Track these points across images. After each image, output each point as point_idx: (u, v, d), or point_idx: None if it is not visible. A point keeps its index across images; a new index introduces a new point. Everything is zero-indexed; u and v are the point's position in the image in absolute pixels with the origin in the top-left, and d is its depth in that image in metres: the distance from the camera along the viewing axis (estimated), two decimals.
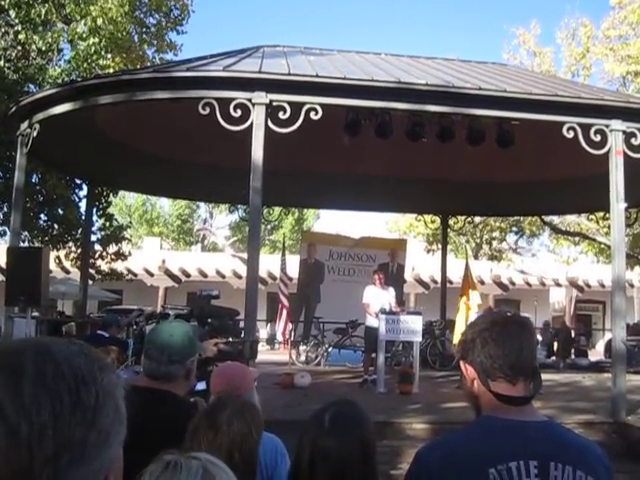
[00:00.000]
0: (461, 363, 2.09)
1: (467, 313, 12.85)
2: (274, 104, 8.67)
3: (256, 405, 2.65)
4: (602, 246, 22.26)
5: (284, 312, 12.32)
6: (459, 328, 13.13)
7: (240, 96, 8.64)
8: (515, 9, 73.15)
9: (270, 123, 8.62)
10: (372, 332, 11.42)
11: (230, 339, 4.73)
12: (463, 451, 1.91)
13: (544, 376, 2.10)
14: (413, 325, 11.17)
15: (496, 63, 14.34)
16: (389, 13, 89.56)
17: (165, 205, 48.52)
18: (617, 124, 9.22)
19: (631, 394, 9.33)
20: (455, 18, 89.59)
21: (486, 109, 9.26)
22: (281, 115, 8.60)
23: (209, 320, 4.88)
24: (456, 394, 10.58)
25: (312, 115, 8.67)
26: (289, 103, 8.65)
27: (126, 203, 45.63)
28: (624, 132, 9.23)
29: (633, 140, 9.21)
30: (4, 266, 10.62)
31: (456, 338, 13.34)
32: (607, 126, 9.20)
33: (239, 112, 8.52)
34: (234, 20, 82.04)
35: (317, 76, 8.82)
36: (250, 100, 8.63)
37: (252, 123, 8.62)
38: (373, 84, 8.92)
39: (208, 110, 8.54)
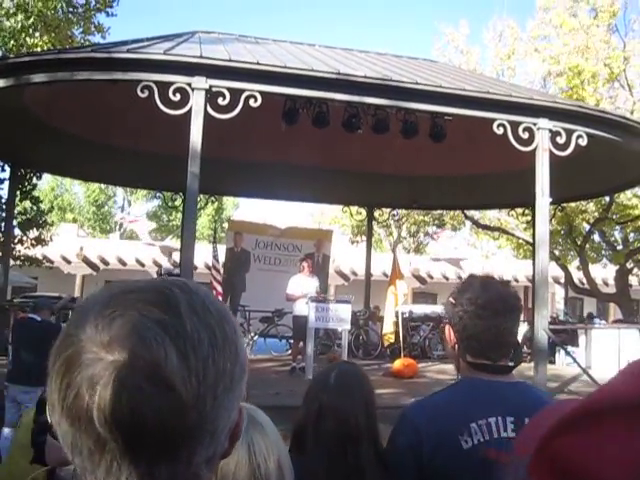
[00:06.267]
0: (447, 327, 2.21)
1: (396, 301, 13.19)
2: (214, 90, 8.67)
3: None
4: (520, 241, 23.03)
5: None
6: (389, 316, 13.45)
7: (180, 80, 8.61)
8: (445, 8, 74.69)
9: (209, 109, 8.63)
10: (300, 320, 11.48)
11: None
12: (446, 408, 2.06)
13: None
14: (342, 313, 11.32)
15: (427, 59, 14.66)
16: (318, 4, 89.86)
17: (79, 191, 47.27)
18: (544, 123, 9.63)
19: (548, 381, 9.75)
20: (386, 13, 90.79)
21: (422, 103, 9.52)
22: (220, 101, 8.61)
23: None
24: (384, 381, 10.84)
25: (251, 102, 8.71)
26: (229, 89, 8.67)
27: (39, 188, 44.05)
28: (550, 130, 9.64)
29: (558, 139, 9.64)
30: None
31: (386, 326, 13.65)
32: (535, 124, 9.60)
33: (178, 96, 8.49)
34: (162, 5, 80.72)
35: (258, 63, 8.85)
36: (190, 85, 8.61)
37: (191, 108, 8.60)
38: (313, 74, 9.01)
39: (147, 93, 8.46)
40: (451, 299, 2.18)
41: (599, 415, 0.69)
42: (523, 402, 2.05)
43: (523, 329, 15.81)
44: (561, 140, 9.62)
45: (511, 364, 2.17)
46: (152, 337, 0.75)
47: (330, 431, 2.10)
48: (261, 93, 8.74)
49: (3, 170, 14.75)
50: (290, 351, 13.59)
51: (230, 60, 8.82)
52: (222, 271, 15.16)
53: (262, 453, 1.39)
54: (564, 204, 15.83)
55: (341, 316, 11.32)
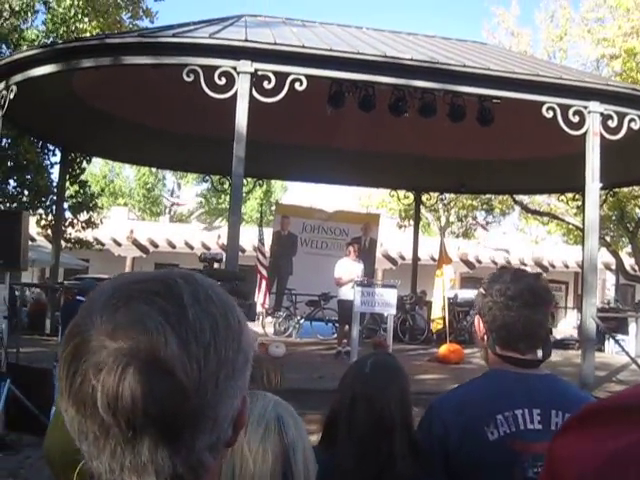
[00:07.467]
0: (476, 317, 2.20)
1: (443, 287, 13.12)
2: (259, 73, 8.68)
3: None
4: (570, 227, 22.65)
5: (263, 283, 12.29)
6: (437, 301, 13.38)
7: (225, 64, 8.64)
8: None
9: (255, 92, 8.64)
10: (346, 304, 11.48)
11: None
12: (473, 399, 2.08)
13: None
14: (388, 298, 11.26)
15: (476, 42, 14.43)
16: None
17: (130, 175, 47.88)
18: (595, 106, 9.40)
19: (597, 370, 9.58)
20: None
21: (470, 86, 9.38)
22: (266, 85, 8.62)
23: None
24: (429, 366, 10.79)
25: (297, 86, 8.70)
26: (274, 73, 8.67)
27: (91, 172, 44.71)
28: (602, 114, 9.42)
29: (610, 122, 9.41)
30: None
31: (435, 312, 13.58)
32: (585, 107, 9.38)
33: (223, 80, 8.52)
34: None
35: (303, 47, 8.83)
36: (235, 68, 8.64)
37: (236, 92, 8.62)
38: (359, 57, 8.95)
39: (192, 77, 8.52)
40: (481, 290, 2.17)
41: (583, 420, 0.80)
42: (550, 394, 2.05)
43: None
44: (613, 124, 9.39)
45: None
46: (153, 325, 0.76)
47: (363, 421, 2.08)
48: (307, 76, 8.74)
49: (54, 154, 15.05)
50: (336, 335, 13.62)
51: (275, 43, 8.82)
52: (268, 254, 15.20)
53: (293, 441, 1.42)
54: (616, 189, 15.49)
55: (387, 301, 11.27)
